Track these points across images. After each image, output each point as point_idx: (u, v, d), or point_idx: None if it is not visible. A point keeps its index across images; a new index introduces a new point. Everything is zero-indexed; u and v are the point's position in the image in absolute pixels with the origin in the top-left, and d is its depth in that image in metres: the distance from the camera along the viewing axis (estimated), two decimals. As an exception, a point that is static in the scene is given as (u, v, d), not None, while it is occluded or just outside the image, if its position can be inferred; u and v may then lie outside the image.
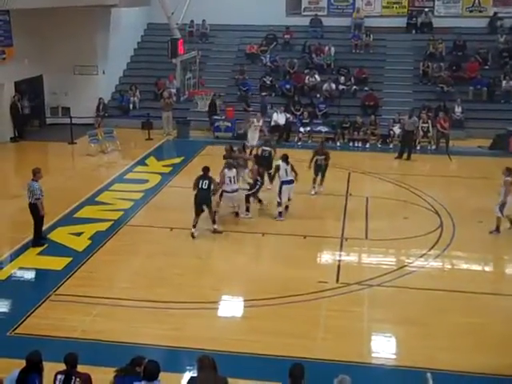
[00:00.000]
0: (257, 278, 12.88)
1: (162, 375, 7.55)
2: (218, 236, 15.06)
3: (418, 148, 23.07)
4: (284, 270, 13.22)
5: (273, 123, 23.98)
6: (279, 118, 23.86)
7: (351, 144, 23.82)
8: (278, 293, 12.09)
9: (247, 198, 16.08)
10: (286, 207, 16.20)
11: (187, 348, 10.33)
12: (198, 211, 14.92)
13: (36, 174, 14.25)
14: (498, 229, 15.00)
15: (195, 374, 7.75)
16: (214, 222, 15.17)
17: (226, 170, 15.54)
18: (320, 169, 17.76)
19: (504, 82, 25.83)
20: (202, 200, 14.91)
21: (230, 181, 15.43)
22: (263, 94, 26.62)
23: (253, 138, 20.99)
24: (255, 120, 21.48)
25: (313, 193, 17.83)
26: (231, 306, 12.05)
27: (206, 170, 15.12)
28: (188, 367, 9.78)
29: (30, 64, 25.01)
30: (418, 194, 18.06)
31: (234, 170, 15.66)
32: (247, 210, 16.09)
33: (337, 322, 11.23)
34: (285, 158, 16.09)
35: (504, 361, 10.00)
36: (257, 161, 17.25)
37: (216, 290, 12.36)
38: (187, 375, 9.41)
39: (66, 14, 24.09)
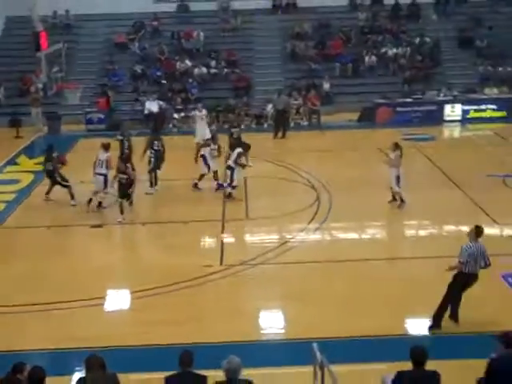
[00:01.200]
0: (140, 269, 12.77)
1: (49, 380, 7.31)
2: (98, 230, 14.78)
3: (292, 125, 23.63)
4: (167, 259, 13.17)
5: (146, 111, 23.70)
6: (152, 105, 23.58)
7: (226, 126, 23.98)
8: (163, 282, 11.95)
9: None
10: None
11: (75, 348, 10.07)
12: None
13: None
14: (402, 200, 15.38)
15: (83, 375, 7.58)
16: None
17: (99, 152, 15.67)
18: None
19: (367, 58, 26.89)
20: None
21: (97, 163, 15.59)
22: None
23: (202, 131, 19.51)
24: (197, 112, 20.37)
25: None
26: (115, 300, 11.78)
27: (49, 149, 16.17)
28: (76, 368, 9.54)
29: None
30: (295, 170, 18.54)
31: (105, 154, 15.59)
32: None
33: (223, 304, 11.34)
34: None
35: (388, 322, 10.43)
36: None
37: (99, 285, 12.08)
38: (76, 376, 9.19)
39: None
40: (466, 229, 10.85)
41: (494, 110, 24.30)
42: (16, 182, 18.33)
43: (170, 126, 24.07)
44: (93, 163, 15.69)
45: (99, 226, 14.89)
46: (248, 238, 14.36)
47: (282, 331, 10.63)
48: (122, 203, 15.04)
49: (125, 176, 15.05)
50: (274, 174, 18.32)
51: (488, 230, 11.51)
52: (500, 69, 26.26)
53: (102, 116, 23.98)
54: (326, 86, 25.45)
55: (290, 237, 14.00)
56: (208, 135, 18.56)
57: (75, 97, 23.26)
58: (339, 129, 23.26)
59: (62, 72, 22.41)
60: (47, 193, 16.50)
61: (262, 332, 10.61)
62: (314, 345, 7.86)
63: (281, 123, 22.72)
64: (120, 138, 17.71)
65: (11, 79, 26.95)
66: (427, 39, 27.78)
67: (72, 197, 16.12)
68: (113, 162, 15.55)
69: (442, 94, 24.73)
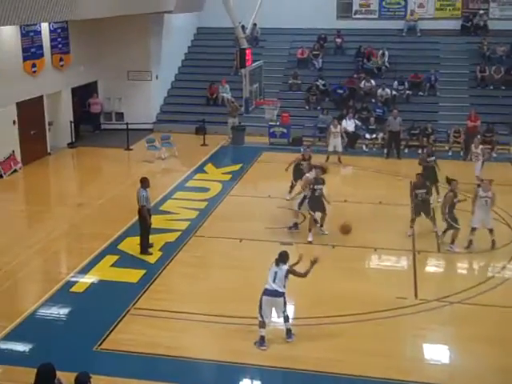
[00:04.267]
0: (331, 294, 12.65)
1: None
2: (287, 248, 14.87)
3: (450, 154, 23.14)
4: (359, 285, 13.00)
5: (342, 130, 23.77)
6: (348, 124, 23.65)
7: (420, 151, 23.38)
8: (356, 309, 11.86)
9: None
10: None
11: (271, 367, 10.26)
12: None
13: (142, 182, 14.33)
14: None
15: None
16: None
17: None
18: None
19: None
20: None
21: None
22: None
23: (333, 144, 21.66)
24: (332, 127, 21.88)
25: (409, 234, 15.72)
26: (311, 323, 11.68)
27: None
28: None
29: (85, 70, 25.28)
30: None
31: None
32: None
33: (418, 341, 11.05)
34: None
35: None
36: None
37: (292, 305, 12.15)
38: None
39: (121, 21, 24.16)
40: None
41: None
42: (206, 190, 19.02)
43: (363, 146, 24.06)
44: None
45: (289, 243, 14.96)
46: (442, 272, 13.90)
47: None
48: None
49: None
50: (460, 206, 17.50)
51: None
52: None
53: (284, 130, 24.36)
54: (518, 114, 24.31)
55: (488, 276, 13.37)
56: (339, 148, 21.52)
57: (273, 113, 23.75)
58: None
59: (258, 88, 22.77)
60: None
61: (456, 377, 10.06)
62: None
63: (395, 145, 22.90)
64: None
65: (198, 88, 28.22)
66: None
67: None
68: None
69: None
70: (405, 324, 11.63)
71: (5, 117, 20.47)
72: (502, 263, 13.93)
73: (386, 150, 23.01)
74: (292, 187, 17.74)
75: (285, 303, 10.94)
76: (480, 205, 14.62)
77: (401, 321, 11.70)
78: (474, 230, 14.64)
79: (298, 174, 17.21)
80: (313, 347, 10.88)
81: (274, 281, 10.80)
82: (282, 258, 10.99)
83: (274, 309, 10.93)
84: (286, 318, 11.06)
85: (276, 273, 10.81)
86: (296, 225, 15.93)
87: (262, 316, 10.82)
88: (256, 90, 22.06)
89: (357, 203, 17.58)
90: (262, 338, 10.83)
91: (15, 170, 20.79)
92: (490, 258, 14.26)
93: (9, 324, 11.36)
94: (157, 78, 27.57)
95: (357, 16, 30.88)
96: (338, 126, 21.92)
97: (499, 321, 11.61)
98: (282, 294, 10.84)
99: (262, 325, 10.84)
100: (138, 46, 26.52)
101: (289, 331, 11.08)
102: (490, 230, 14.63)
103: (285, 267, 10.86)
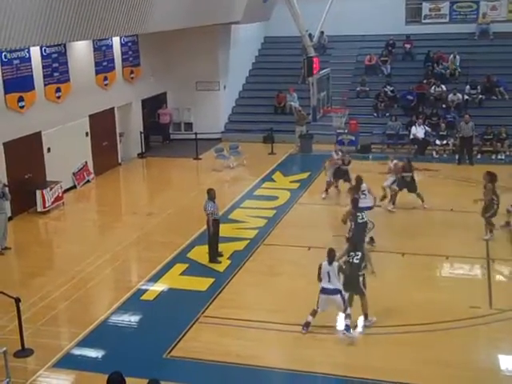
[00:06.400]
0: (401, 303, 12.37)
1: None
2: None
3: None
4: (430, 294, 12.68)
5: (411, 136, 23.58)
6: (418, 131, 23.30)
7: (494, 157, 22.99)
8: (428, 318, 11.61)
9: None
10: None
11: (341, 376, 10.11)
12: None
13: (208, 193, 14.55)
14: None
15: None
16: None
17: None
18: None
19: None
20: None
21: None
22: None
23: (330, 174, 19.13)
24: (334, 154, 19.27)
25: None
26: (379, 332, 11.46)
27: None
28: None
29: (154, 82, 25.76)
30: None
31: None
32: None
33: (496, 352, 10.63)
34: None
35: None
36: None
37: (363, 314, 11.98)
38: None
39: (189, 33, 24.55)
40: None
41: None
42: (274, 198, 19.03)
43: (434, 153, 23.55)
44: None
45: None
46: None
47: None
48: None
49: None
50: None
51: None
52: None
53: (353, 138, 24.13)
54: None
55: None
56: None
57: (341, 121, 23.63)
58: None
59: (328, 96, 22.76)
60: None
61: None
62: None
63: (467, 151, 22.22)
64: None
65: (266, 97, 28.33)
66: None
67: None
68: None
69: None
70: (478, 334, 11.29)
71: (78, 129, 21.06)
72: None
73: (457, 156, 22.52)
74: (329, 186, 18.55)
75: (344, 302, 11.15)
76: None
77: (474, 331, 11.34)
78: None
79: (338, 173, 18.44)
80: (382, 356, 10.66)
81: (329, 281, 11.12)
82: (333, 256, 11.28)
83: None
84: (348, 316, 11.19)
85: (329, 272, 11.12)
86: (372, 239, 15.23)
87: (317, 307, 11.27)
88: (323, 97, 21.95)
89: (427, 210, 17.25)
90: (307, 324, 11.35)
91: (88, 181, 21.35)
92: None
93: (81, 331, 11.61)
94: (225, 87, 27.83)
95: (426, 20, 30.40)
96: (340, 153, 19.24)
97: None
98: (338, 292, 11.13)
99: (313, 313, 11.31)
100: (206, 57, 26.83)
101: (347, 326, 11.18)
102: None
103: (336, 264, 11.21)
